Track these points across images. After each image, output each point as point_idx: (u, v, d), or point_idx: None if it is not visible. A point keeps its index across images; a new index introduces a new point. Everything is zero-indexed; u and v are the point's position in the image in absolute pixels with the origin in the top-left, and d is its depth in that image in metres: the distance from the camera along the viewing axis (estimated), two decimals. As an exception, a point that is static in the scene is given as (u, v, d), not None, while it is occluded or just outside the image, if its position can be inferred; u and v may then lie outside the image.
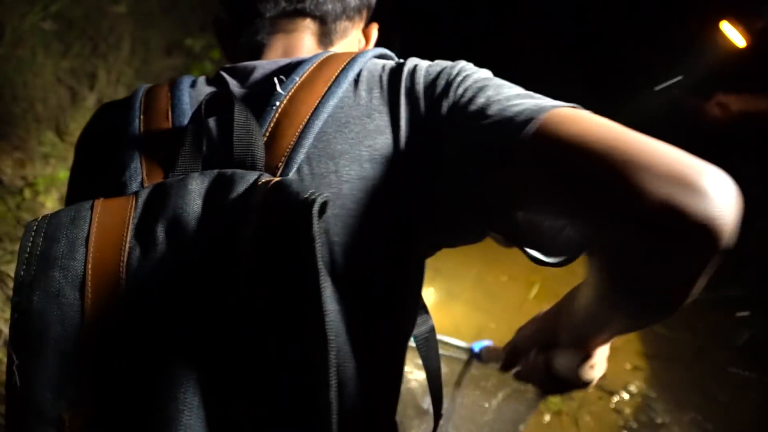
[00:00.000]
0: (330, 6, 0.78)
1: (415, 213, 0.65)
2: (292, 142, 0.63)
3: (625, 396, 2.51)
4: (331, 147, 0.64)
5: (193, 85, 0.73)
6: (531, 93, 0.63)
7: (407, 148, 0.65)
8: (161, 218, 0.58)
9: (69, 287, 0.56)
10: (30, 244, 0.58)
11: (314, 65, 0.69)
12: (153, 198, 0.60)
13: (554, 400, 2.39)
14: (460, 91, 0.64)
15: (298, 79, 0.67)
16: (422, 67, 0.69)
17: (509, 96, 0.62)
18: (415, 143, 0.65)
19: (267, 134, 0.64)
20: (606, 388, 2.52)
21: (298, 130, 0.64)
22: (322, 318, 0.49)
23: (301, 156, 0.63)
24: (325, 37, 0.79)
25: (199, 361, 0.53)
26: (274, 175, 0.62)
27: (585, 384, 0.74)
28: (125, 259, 0.57)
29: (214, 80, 0.74)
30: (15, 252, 2.23)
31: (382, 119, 0.65)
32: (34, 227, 0.59)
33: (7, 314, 2.18)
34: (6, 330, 2.16)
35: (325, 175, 0.63)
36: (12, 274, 2.17)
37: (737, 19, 2.72)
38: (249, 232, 0.54)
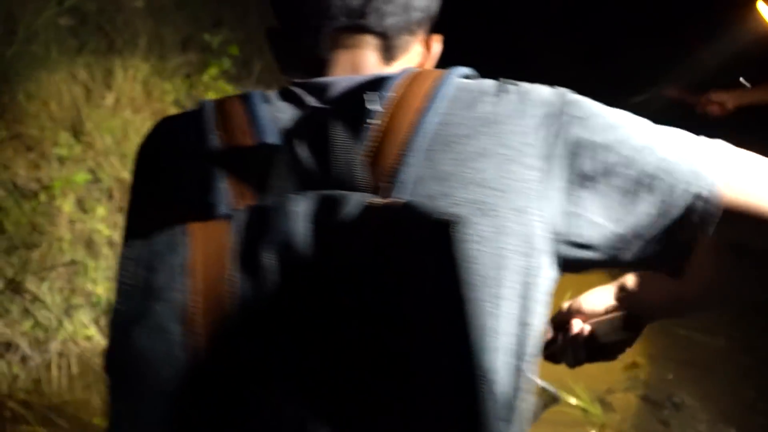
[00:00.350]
0: (392, 21, 0.74)
1: (520, 244, 0.63)
2: (397, 162, 0.62)
3: (669, 407, 2.45)
4: (439, 167, 0.62)
5: (266, 100, 0.71)
6: (669, 129, 0.64)
7: (517, 175, 0.63)
8: (267, 243, 0.56)
9: (173, 321, 0.54)
10: (129, 273, 0.57)
11: (404, 81, 0.67)
12: (253, 222, 0.59)
13: (596, 413, 2.30)
14: (598, 138, 0.64)
15: (392, 95, 0.66)
16: (528, 92, 0.67)
17: (659, 137, 0.63)
18: (529, 174, 0.63)
19: (367, 153, 0.62)
20: (649, 399, 2.45)
21: (402, 149, 0.62)
22: (469, 344, 0.50)
23: (410, 176, 0.61)
24: (387, 53, 0.76)
25: (327, 399, 0.52)
26: (380, 196, 0.61)
27: (622, 349, 0.80)
28: (233, 290, 0.55)
29: (288, 95, 0.71)
30: (32, 261, 2.12)
31: (481, 141, 0.64)
32: (132, 256, 0.58)
33: (24, 326, 2.07)
34: (23, 344, 2.05)
35: (437, 197, 0.61)
36: (30, 285, 2.07)
37: None
38: (373, 256, 0.54)
